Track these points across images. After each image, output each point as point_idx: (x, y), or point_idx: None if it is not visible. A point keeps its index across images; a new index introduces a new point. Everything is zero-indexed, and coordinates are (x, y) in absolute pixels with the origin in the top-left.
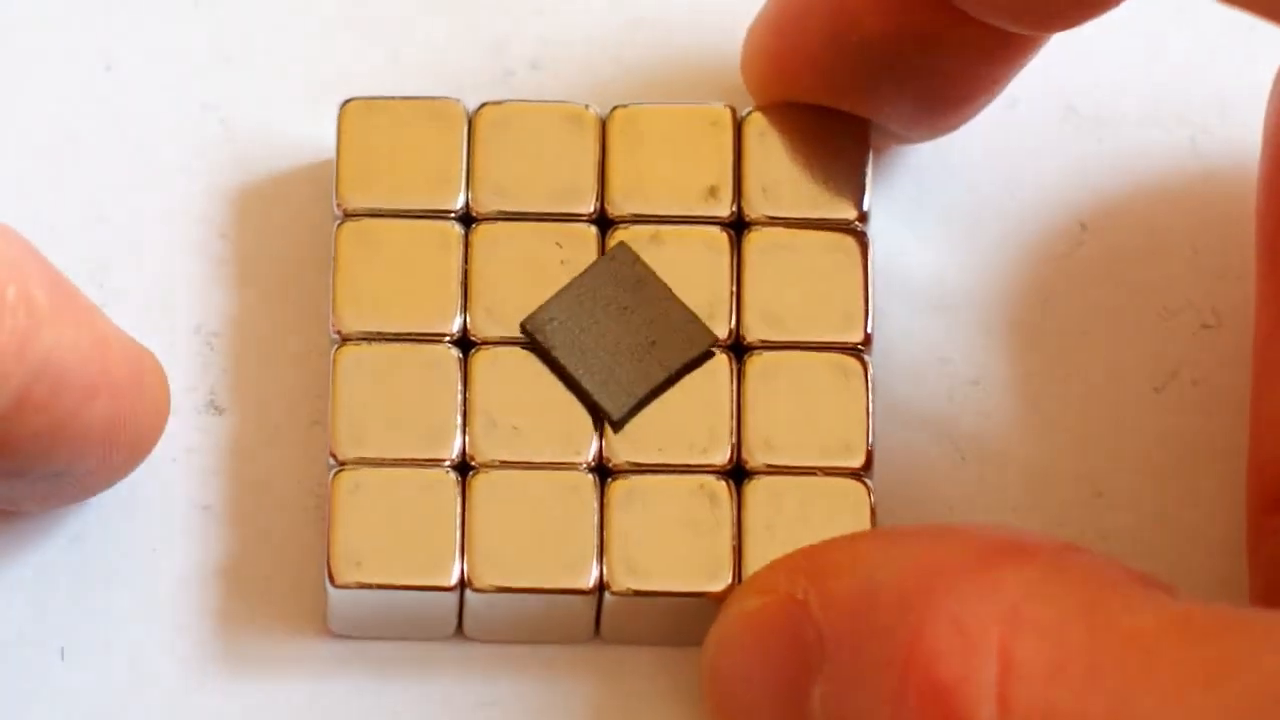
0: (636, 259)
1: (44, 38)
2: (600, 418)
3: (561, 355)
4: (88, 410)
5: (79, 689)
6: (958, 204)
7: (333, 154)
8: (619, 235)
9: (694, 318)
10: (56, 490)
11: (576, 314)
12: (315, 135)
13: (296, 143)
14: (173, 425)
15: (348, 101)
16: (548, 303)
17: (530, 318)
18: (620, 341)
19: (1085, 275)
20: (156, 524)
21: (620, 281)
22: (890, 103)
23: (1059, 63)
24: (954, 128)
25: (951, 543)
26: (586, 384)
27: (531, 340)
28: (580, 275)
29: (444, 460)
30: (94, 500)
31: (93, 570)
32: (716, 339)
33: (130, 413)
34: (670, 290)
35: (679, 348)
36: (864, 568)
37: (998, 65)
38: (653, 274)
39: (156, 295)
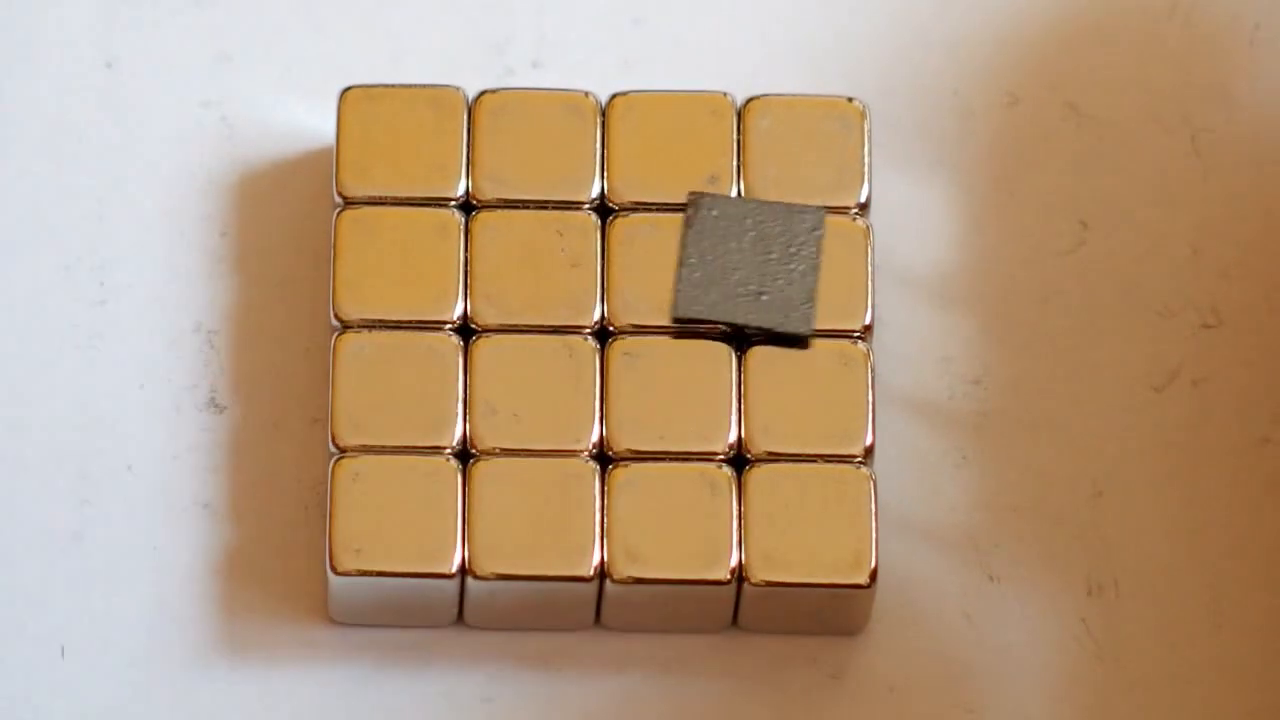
0: (713, 197)
1: (44, 36)
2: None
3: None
4: None
5: (80, 687)
6: (958, 204)
7: (332, 143)
8: (619, 223)
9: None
10: None
11: (712, 278)
12: (315, 129)
13: (296, 137)
14: (174, 423)
15: (348, 89)
16: (681, 286)
17: (676, 306)
18: (761, 269)
19: (1085, 275)
20: (157, 522)
21: (719, 221)
22: None
23: (1059, 62)
24: None
25: None
26: (766, 322)
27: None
28: (684, 245)
29: (444, 447)
30: (94, 499)
31: (93, 569)
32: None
33: None
34: (744, 199)
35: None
36: None
37: None
38: (729, 199)
39: (157, 293)
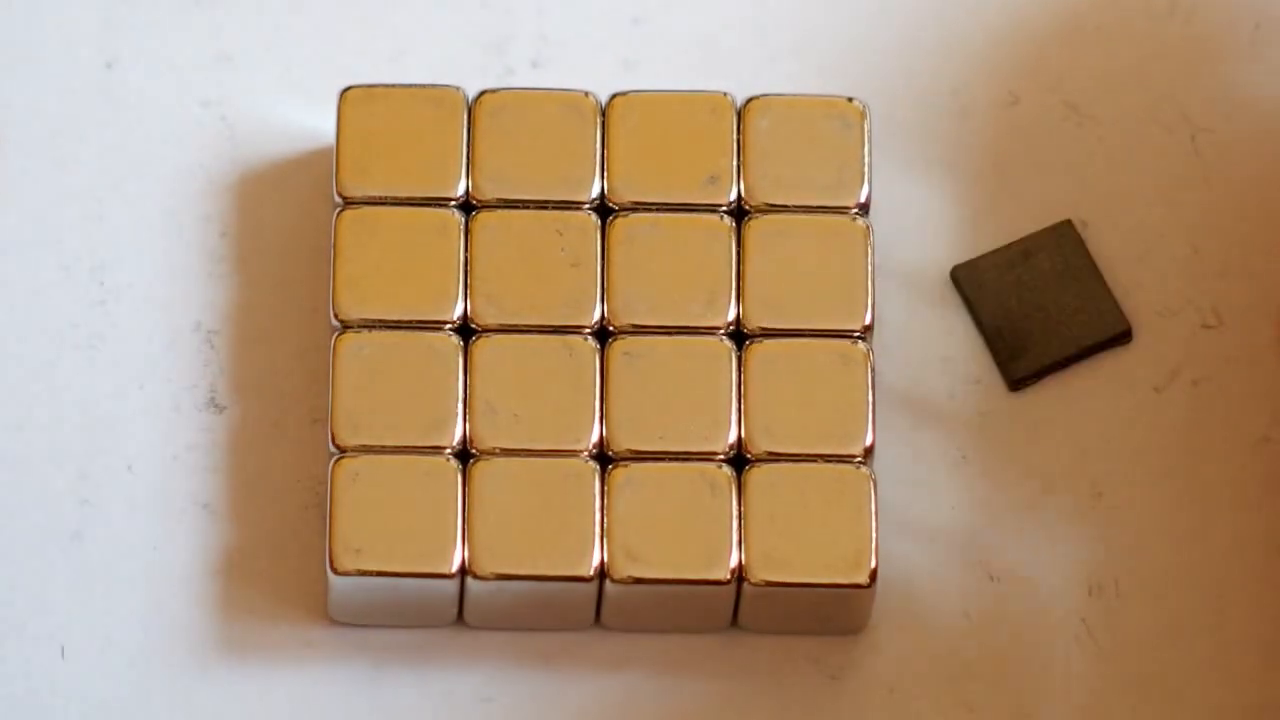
0: (1078, 239)
1: (44, 36)
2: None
3: (981, 309)
4: None
5: (80, 687)
6: (958, 204)
7: (332, 143)
8: (619, 223)
9: (1115, 304)
10: None
11: (1005, 274)
12: (315, 129)
13: (296, 137)
14: (173, 423)
15: (348, 89)
16: (983, 257)
17: (962, 266)
18: (1040, 309)
19: None
20: (157, 522)
21: (1055, 254)
22: None
23: (1059, 62)
24: None
25: None
26: (995, 342)
27: (957, 287)
28: (1020, 240)
29: (445, 447)
30: (94, 499)
31: (93, 569)
32: (1129, 327)
33: None
34: (1100, 274)
35: (1095, 327)
36: None
37: None
38: (1088, 256)
39: (156, 293)
